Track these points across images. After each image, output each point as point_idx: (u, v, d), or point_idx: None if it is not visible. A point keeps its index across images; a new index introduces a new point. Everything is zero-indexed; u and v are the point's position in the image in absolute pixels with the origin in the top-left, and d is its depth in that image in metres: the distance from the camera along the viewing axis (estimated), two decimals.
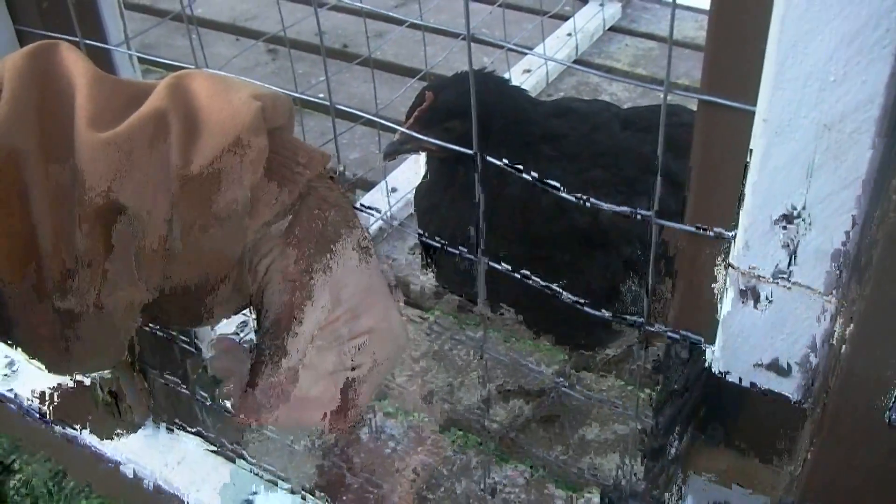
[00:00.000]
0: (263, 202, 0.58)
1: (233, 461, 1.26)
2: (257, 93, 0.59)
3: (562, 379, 1.38)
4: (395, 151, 1.14)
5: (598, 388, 1.37)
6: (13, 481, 1.71)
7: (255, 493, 1.22)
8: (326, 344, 0.59)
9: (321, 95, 0.81)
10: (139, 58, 1.02)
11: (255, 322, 0.59)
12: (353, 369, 0.60)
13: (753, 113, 0.48)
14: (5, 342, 0.57)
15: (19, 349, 0.57)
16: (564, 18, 2.30)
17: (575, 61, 2.17)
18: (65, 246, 0.53)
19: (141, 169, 0.54)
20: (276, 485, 1.18)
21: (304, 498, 1.17)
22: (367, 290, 0.59)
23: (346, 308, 0.58)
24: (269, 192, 0.58)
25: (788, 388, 0.57)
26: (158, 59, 0.98)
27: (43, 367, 0.58)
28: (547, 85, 2.09)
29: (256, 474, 1.24)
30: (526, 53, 2.07)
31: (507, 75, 1.98)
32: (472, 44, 0.58)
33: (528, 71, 2.07)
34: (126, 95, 0.57)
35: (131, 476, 1.27)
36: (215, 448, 1.25)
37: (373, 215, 0.86)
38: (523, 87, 2.00)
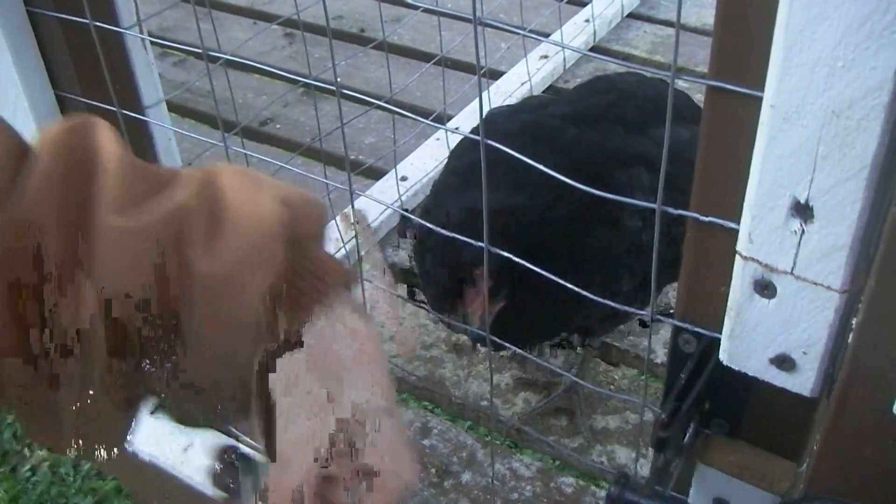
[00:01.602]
0: (279, 318, 0.56)
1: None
2: (288, 199, 0.57)
3: (574, 370, 1.37)
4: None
5: (611, 378, 1.36)
6: (28, 464, 1.72)
7: None
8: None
9: (337, 80, 0.80)
10: (151, 41, 1.02)
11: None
12: None
13: (761, 99, 0.47)
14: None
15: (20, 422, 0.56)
16: (582, 4, 2.28)
17: (592, 48, 2.16)
18: (70, 333, 0.52)
19: (157, 262, 0.52)
20: None
21: None
22: (374, 422, 0.58)
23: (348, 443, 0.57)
24: (286, 309, 0.57)
25: (795, 381, 0.56)
26: (170, 44, 0.98)
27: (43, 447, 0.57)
28: (564, 71, 2.08)
29: None
30: (542, 40, 2.06)
31: (523, 61, 1.97)
32: (489, 30, 0.58)
33: (546, 57, 2.05)
34: (153, 181, 0.55)
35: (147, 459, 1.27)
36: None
37: (384, 204, 0.86)
38: (541, 72, 1.99)
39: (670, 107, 0.54)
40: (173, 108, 2.09)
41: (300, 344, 0.57)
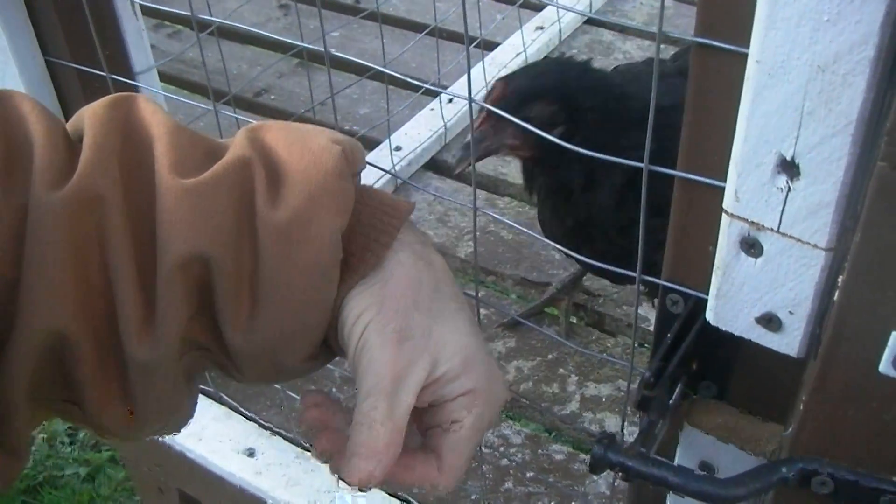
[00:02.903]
0: (355, 255, 0.56)
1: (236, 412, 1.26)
2: (335, 137, 0.57)
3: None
4: (472, 156, 0.97)
5: (604, 346, 1.37)
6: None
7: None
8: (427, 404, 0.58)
9: (332, 50, 0.80)
10: (142, 5, 1.01)
11: (356, 383, 0.57)
12: (454, 429, 0.58)
13: (747, 56, 0.47)
14: (73, 416, 0.55)
15: (86, 413, 0.54)
16: None
17: (588, 20, 2.15)
18: (144, 296, 0.52)
19: (226, 217, 0.52)
20: None
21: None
22: (466, 348, 0.57)
23: (447, 368, 0.56)
24: (360, 243, 0.57)
25: (781, 341, 0.56)
26: (159, 7, 0.97)
27: (108, 433, 0.56)
28: (560, 42, 2.07)
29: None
30: (538, 10, 2.05)
31: (518, 32, 1.96)
32: (484, 0, 0.57)
33: (541, 28, 2.05)
34: (204, 146, 0.56)
35: None
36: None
37: (382, 171, 0.86)
38: (536, 43, 1.98)
39: (656, 69, 0.54)
40: (167, 78, 2.08)
41: (379, 277, 0.57)
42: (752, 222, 0.51)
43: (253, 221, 0.53)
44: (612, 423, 1.25)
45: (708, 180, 0.54)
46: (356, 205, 0.57)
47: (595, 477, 1.17)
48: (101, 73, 0.96)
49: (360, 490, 0.54)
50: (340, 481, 0.55)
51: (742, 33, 0.47)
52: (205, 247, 0.51)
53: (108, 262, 0.51)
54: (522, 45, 1.94)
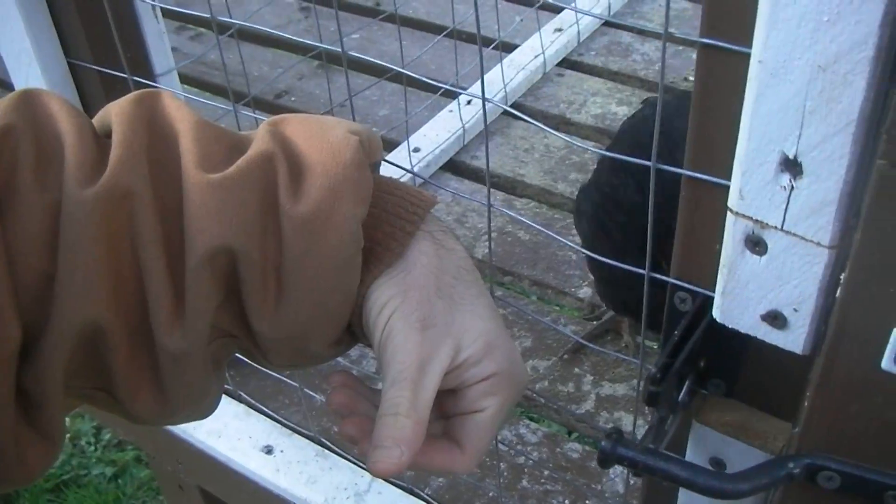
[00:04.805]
0: (380, 244, 0.58)
1: (255, 409, 1.28)
2: (353, 128, 0.59)
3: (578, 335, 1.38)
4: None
5: (619, 346, 1.37)
6: None
7: None
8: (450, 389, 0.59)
9: (351, 52, 0.81)
10: (163, 9, 1.03)
11: (381, 371, 0.58)
12: (476, 412, 0.59)
13: (750, 56, 0.47)
14: (103, 403, 0.57)
15: (117, 400, 0.56)
16: None
17: (607, 21, 2.15)
18: (173, 288, 0.54)
19: (251, 211, 0.54)
20: None
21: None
22: (488, 333, 0.58)
23: (469, 353, 0.58)
24: (385, 232, 0.58)
25: (787, 338, 0.57)
26: (178, 9, 0.98)
27: (138, 419, 0.58)
28: (578, 44, 2.07)
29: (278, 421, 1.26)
30: (557, 12, 2.06)
31: (537, 34, 1.97)
32: (503, 3, 0.58)
33: (560, 30, 2.05)
34: (227, 141, 0.57)
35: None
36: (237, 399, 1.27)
37: (401, 168, 0.87)
38: (554, 45, 1.99)
39: (663, 67, 0.55)
40: (189, 81, 2.10)
41: (403, 266, 0.58)
42: (757, 220, 0.52)
43: (277, 215, 0.55)
44: (627, 422, 1.25)
45: (713, 179, 0.55)
46: (382, 194, 0.58)
47: (611, 475, 1.18)
48: (123, 75, 0.98)
49: (387, 475, 0.56)
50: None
51: (746, 34, 0.48)
52: (231, 240, 0.53)
53: (139, 255, 0.53)
54: (541, 47, 1.95)
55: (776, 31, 0.45)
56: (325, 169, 0.55)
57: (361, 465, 1.19)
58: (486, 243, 1.57)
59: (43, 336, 0.52)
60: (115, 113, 0.56)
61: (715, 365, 0.65)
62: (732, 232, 0.54)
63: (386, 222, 0.58)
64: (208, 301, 0.54)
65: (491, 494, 1.17)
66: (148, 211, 0.53)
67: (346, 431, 0.61)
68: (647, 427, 0.63)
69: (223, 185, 0.53)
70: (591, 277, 1.47)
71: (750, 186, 0.51)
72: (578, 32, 2.05)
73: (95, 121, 0.57)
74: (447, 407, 0.60)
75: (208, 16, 0.87)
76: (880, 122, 0.44)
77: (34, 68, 1.01)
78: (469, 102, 1.80)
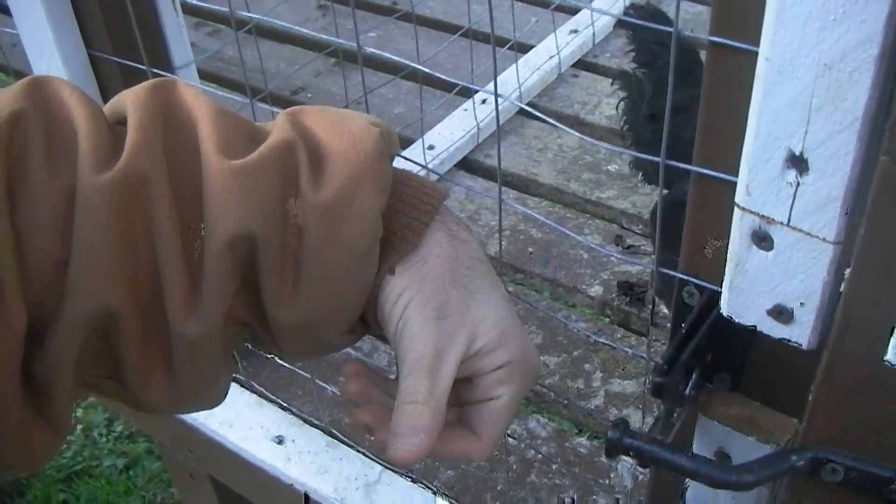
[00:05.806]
0: (396, 234, 0.58)
1: (267, 399, 1.29)
2: (373, 120, 0.59)
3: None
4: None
5: (629, 343, 1.38)
6: None
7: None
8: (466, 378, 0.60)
9: (369, 50, 0.82)
10: (182, 3, 1.04)
11: (397, 361, 0.59)
12: (492, 399, 0.60)
13: (758, 54, 0.48)
14: (112, 392, 0.57)
15: (128, 389, 0.56)
16: None
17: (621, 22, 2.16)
18: (189, 274, 0.54)
19: (273, 197, 0.54)
20: None
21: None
22: (502, 321, 0.59)
23: (484, 342, 0.58)
24: (401, 222, 0.59)
25: (792, 332, 0.57)
26: (198, 3, 1.00)
27: (147, 408, 0.58)
28: (593, 46, 2.08)
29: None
30: (573, 14, 2.07)
31: (552, 35, 1.98)
32: (519, 4, 0.59)
33: (575, 31, 2.06)
34: (246, 129, 0.57)
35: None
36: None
37: (418, 165, 0.88)
38: (570, 46, 2.00)
39: (673, 62, 0.56)
40: (206, 76, 2.12)
41: (419, 257, 0.59)
42: (763, 216, 0.53)
43: (297, 200, 0.55)
44: (636, 419, 1.26)
45: (721, 175, 0.56)
46: (398, 185, 0.59)
47: (619, 470, 1.19)
48: (142, 67, 0.99)
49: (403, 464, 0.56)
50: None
51: (754, 33, 0.49)
52: (252, 226, 0.53)
53: (155, 241, 0.53)
54: (556, 48, 1.96)
55: (783, 29, 0.46)
56: (347, 157, 0.56)
57: (371, 456, 1.20)
58: (499, 241, 1.58)
59: (55, 323, 0.51)
60: (130, 100, 0.56)
61: (721, 359, 0.66)
62: (739, 227, 0.55)
63: (402, 213, 0.59)
64: (225, 288, 0.55)
65: (500, 487, 1.18)
66: (164, 197, 0.53)
67: (362, 420, 0.62)
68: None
69: (245, 170, 0.53)
70: (603, 277, 1.48)
71: (757, 182, 0.52)
72: (594, 34, 2.06)
73: (107, 109, 0.57)
74: (462, 395, 0.61)
75: (226, 9, 0.89)
76: (885, 120, 0.45)
77: (55, 59, 1.02)
78: (484, 101, 1.81)
